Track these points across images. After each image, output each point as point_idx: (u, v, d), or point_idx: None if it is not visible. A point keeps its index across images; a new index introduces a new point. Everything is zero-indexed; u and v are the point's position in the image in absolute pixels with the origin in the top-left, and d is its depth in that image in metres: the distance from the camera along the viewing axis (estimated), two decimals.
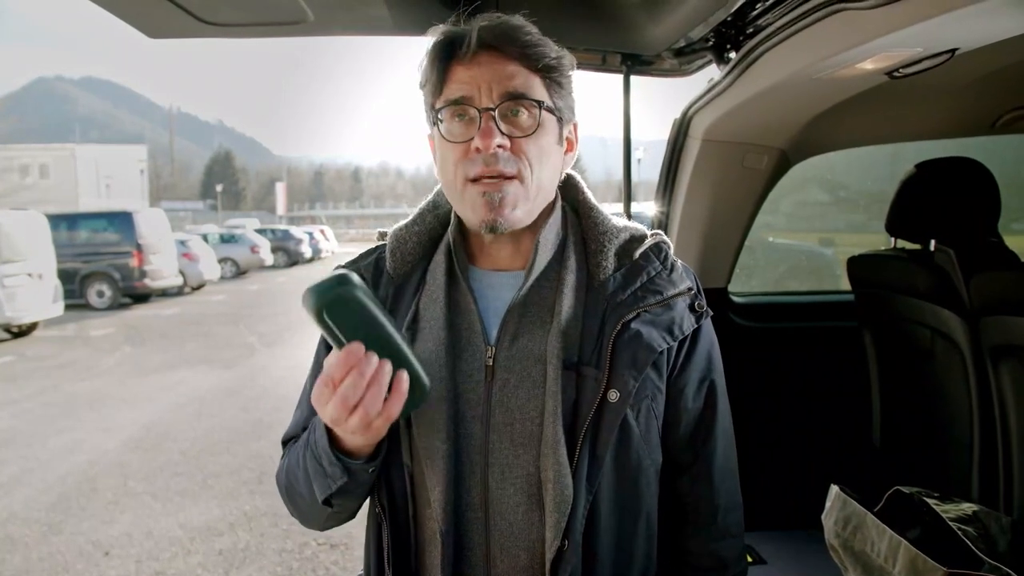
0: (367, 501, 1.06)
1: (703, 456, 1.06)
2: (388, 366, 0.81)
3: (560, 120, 0.99)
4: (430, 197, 1.11)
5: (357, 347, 0.79)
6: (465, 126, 0.94)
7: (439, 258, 1.04)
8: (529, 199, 0.96)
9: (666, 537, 1.05)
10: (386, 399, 0.81)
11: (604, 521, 0.96)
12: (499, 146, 0.91)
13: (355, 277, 0.79)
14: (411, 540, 0.99)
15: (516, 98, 0.93)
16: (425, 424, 0.95)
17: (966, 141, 2.53)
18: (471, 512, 0.96)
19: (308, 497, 0.98)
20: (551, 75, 0.96)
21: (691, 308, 1.02)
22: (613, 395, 0.93)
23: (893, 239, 2.19)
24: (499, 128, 0.92)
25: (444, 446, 0.94)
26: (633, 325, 0.96)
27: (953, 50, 1.34)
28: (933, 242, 2.02)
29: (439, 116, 0.95)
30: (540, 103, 0.95)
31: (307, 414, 1.09)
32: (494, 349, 0.97)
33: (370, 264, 1.09)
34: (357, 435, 0.84)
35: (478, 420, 0.96)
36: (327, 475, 0.92)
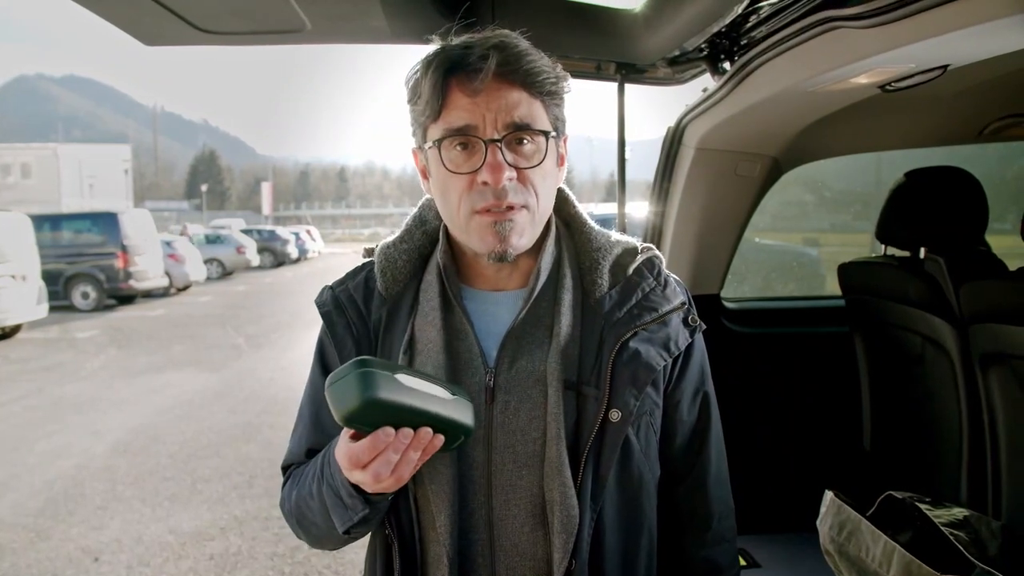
0: None
1: (698, 466, 1.08)
2: (425, 433, 0.83)
3: (557, 139, 0.99)
4: (415, 212, 1.10)
5: (386, 433, 0.81)
6: (468, 156, 0.92)
7: (430, 278, 1.03)
8: (535, 225, 0.97)
9: (663, 545, 1.06)
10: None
11: (609, 538, 0.97)
12: (507, 178, 0.91)
13: (373, 368, 0.80)
14: (417, 562, 0.99)
15: (522, 128, 0.92)
16: None
17: (951, 146, 2.58)
18: (475, 534, 0.96)
19: (324, 527, 0.98)
20: (553, 99, 0.96)
21: (685, 323, 1.03)
22: (615, 415, 0.94)
23: (884, 246, 2.23)
24: (506, 160, 0.91)
25: (449, 470, 0.94)
26: (631, 344, 0.97)
27: (945, 66, 1.37)
28: (923, 250, 2.06)
29: (439, 144, 0.93)
30: (546, 134, 0.94)
31: (308, 440, 1.07)
32: (493, 371, 0.97)
33: (360, 283, 1.06)
34: (374, 487, 0.86)
35: (480, 442, 0.96)
36: (347, 507, 0.92)
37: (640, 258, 1.04)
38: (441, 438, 0.84)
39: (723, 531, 1.10)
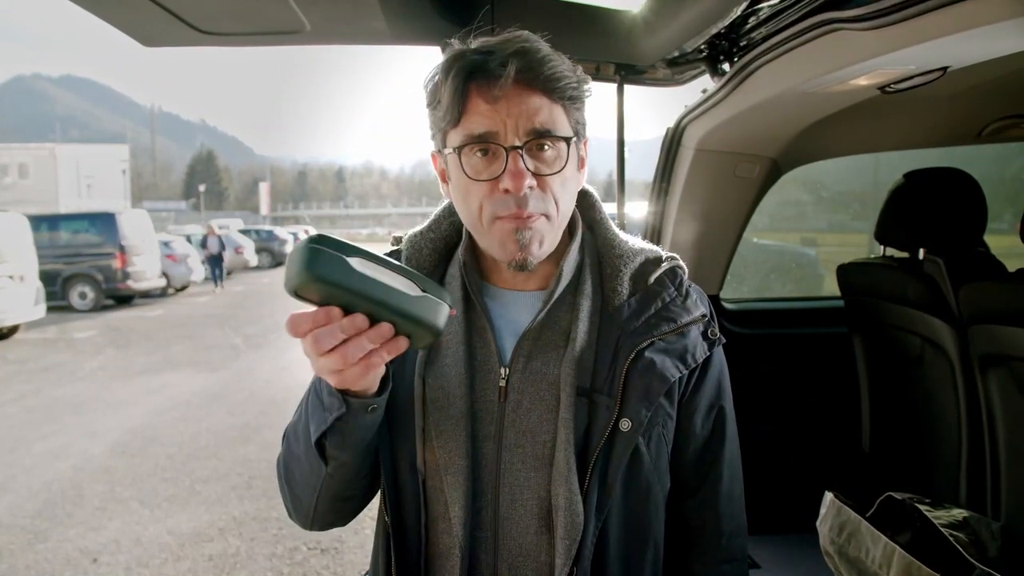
0: (377, 511, 1.04)
1: (709, 481, 1.06)
2: (383, 327, 0.78)
3: (578, 143, 0.98)
4: (446, 203, 1.10)
5: (331, 310, 0.77)
6: (489, 162, 0.92)
7: (454, 271, 1.04)
8: (555, 231, 0.96)
9: (670, 561, 1.05)
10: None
11: (613, 548, 0.96)
12: (528, 186, 0.90)
13: (324, 246, 0.75)
14: (421, 552, 0.98)
15: (543, 135, 0.91)
16: (445, 439, 0.95)
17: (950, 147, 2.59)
18: (480, 532, 0.96)
19: (304, 457, 0.94)
20: (574, 103, 0.95)
21: (704, 335, 1.02)
22: (625, 424, 0.93)
23: (883, 247, 2.23)
24: (527, 166, 0.90)
25: (464, 462, 0.94)
26: (647, 354, 0.96)
27: (944, 68, 1.37)
28: (922, 251, 2.06)
29: (459, 150, 0.93)
30: (567, 139, 0.94)
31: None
32: (508, 370, 0.98)
33: None
34: (333, 377, 0.81)
35: (491, 440, 0.96)
36: (324, 407, 0.88)
37: (663, 267, 1.04)
38: (404, 339, 0.80)
39: (732, 550, 1.08)
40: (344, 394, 0.86)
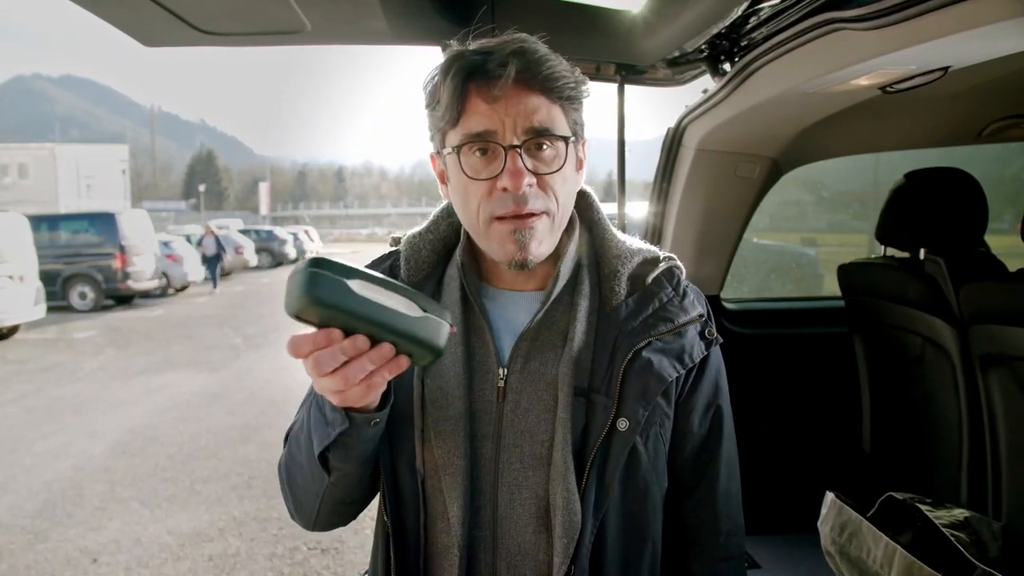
0: (376, 511, 1.05)
1: (707, 480, 1.07)
2: (384, 348, 0.79)
3: (576, 144, 0.99)
4: (444, 204, 1.10)
5: (331, 333, 0.77)
6: (487, 162, 0.93)
7: (452, 272, 1.04)
8: (554, 231, 0.97)
9: (668, 559, 1.06)
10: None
11: (611, 546, 0.96)
12: (527, 184, 0.91)
13: (324, 269, 0.76)
14: (420, 552, 0.98)
15: (541, 134, 0.92)
16: (444, 439, 0.96)
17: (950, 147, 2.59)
18: (478, 531, 0.97)
19: (307, 465, 0.95)
20: (572, 104, 0.96)
21: (701, 335, 1.02)
22: (623, 424, 0.94)
23: (883, 247, 2.23)
24: (525, 165, 0.91)
25: (462, 462, 0.95)
26: (644, 353, 0.97)
27: (946, 68, 1.37)
28: (923, 251, 2.06)
29: (458, 150, 0.94)
30: (566, 139, 0.94)
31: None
32: (506, 370, 0.98)
33: (384, 271, 1.08)
34: (335, 397, 0.82)
35: (489, 439, 0.97)
36: (327, 423, 0.89)
37: (660, 267, 1.04)
38: (405, 358, 0.81)
39: (730, 548, 1.09)
40: (347, 410, 0.86)
